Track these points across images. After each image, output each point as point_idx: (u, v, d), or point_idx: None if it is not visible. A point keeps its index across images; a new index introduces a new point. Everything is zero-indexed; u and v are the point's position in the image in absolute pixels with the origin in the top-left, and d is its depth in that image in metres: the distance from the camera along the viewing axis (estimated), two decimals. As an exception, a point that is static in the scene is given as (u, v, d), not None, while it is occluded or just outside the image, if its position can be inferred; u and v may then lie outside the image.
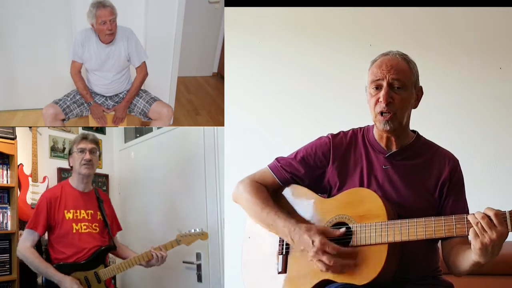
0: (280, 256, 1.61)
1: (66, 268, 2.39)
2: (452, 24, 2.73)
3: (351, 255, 1.45)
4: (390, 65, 1.53)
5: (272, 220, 1.58)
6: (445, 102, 2.69)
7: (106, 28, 2.73)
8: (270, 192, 1.69)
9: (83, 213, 2.53)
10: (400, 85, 1.52)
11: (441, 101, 2.68)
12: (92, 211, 2.57)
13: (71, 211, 2.50)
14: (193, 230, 2.61)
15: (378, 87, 1.53)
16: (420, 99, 1.61)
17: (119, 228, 2.80)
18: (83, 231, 2.49)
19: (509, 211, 1.31)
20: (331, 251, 1.44)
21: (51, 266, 2.39)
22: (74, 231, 2.47)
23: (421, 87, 1.61)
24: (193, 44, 4.45)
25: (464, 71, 2.69)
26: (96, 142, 2.60)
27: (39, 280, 3.32)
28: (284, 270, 1.59)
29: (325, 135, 1.70)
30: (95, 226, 2.55)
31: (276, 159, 1.72)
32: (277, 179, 1.69)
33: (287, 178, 1.68)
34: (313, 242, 1.46)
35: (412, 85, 1.56)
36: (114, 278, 2.94)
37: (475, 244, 1.31)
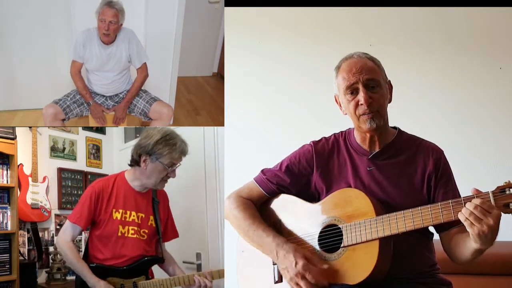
0: (275, 266, 1.61)
1: (103, 271, 2.17)
2: (452, 24, 2.73)
3: None
4: (359, 67, 1.54)
5: (259, 237, 1.59)
6: (445, 102, 2.69)
7: (103, 27, 2.73)
8: (258, 206, 1.70)
9: (133, 215, 2.25)
10: (374, 84, 1.54)
11: (441, 101, 2.69)
12: (143, 215, 2.28)
13: (120, 211, 2.23)
14: None
15: (354, 91, 1.54)
16: (391, 93, 1.61)
17: (175, 235, 2.45)
18: (129, 235, 2.23)
19: (492, 191, 1.32)
20: (310, 280, 1.44)
21: (87, 266, 2.17)
22: (120, 234, 2.22)
23: (390, 81, 1.61)
24: (193, 44, 4.46)
25: (464, 71, 2.69)
26: (185, 155, 2.26)
27: (40, 279, 3.33)
28: (280, 279, 1.59)
29: (308, 143, 1.70)
30: (143, 232, 2.27)
31: (262, 171, 1.72)
32: (263, 192, 1.70)
33: (274, 189, 1.69)
34: (296, 263, 1.46)
35: (384, 81, 1.58)
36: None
37: (473, 233, 1.30)
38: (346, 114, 1.61)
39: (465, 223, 1.31)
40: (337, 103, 1.64)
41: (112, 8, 2.70)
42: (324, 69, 2.83)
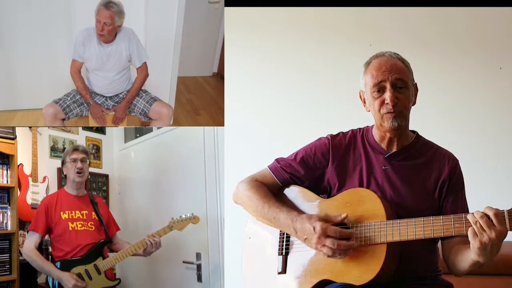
0: (280, 257, 1.61)
1: (67, 264, 2.58)
2: (452, 24, 2.73)
3: (353, 237, 1.47)
4: (389, 66, 1.54)
5: (274, 213, 1.59)
6: (445, 102, 2.69)
7: (98, 27, 2.72)
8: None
9: (78, 213, 2.74)
10: (402, 85, 1.54)
11: (441, 101, 2.69)
12: (86, 212, 2.78)
13: (67, 211, 2.71)
14: (184, 216, 2.73)
15: (381, 90, 1.54)
16: (416, 95, 1.62)
17: (117, 228, 2.97)
18: (79, 229, 2.69)
19: (508, 210, 1.31)
20: (333, 234, 1.45)
21: (51, 264, 2.61)
22: (70, 229, 2.67)
23: (416, 84, 1.62)
24: (193, 44, 4.45)
25: (464, 71, 2.69)
26: (86, 153, 2.89)
27: (40, 279, 3.33)
28: (283, 270, 1.60)
29: (325, 135, 1.70)
30: (90, 224, 2.75)
31: (276, 160, 1.73)
32: (277, 180, 1.69)
33: (287, 178, 1.69)
34: (314, 228, 1.47)
35: (411, 83, 1.58)
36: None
37: (474, 243, 1.31)
38: (369, 111, 1.60)
39: (469, 233, 1.32)
40: (360, 99, 1.64)
41: (108, 10, 2.68)
42: (324, 69, 2.88)
